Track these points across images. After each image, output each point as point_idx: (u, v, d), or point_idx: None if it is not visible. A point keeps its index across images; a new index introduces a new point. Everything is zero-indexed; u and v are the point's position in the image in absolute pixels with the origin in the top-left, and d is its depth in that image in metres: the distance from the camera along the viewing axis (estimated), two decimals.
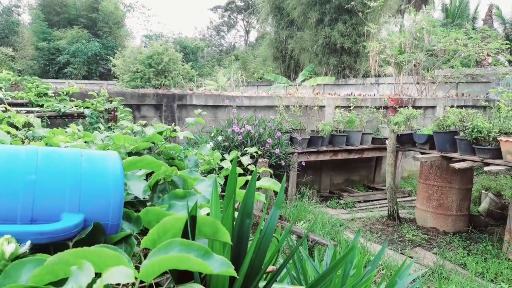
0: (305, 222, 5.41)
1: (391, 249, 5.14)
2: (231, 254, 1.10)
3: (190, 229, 0.84)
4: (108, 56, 21.92)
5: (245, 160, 2.76)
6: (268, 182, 1.82)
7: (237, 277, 0.76)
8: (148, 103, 6.22)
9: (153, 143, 2.62)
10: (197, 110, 3.32)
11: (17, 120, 2.20)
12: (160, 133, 2.56)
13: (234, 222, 1.19)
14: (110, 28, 25.93)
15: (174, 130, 2.58)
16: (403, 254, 4.95)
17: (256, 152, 2.96)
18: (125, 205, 1.20)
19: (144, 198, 1.22)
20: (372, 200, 7.22)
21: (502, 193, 7.01)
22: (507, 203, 6.21)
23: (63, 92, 5.36)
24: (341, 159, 7.38)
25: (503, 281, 4.25)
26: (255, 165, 5.69)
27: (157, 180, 1.31)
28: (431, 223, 5.85)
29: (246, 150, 3.18)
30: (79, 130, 2.41)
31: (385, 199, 6.75)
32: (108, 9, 25.24)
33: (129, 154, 2.44)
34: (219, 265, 0.70)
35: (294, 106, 6.94)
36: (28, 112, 5.03)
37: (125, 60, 18.22)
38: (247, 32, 34.84)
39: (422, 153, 5.92)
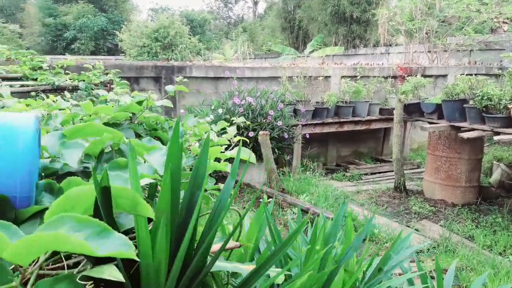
0: (308, 195, 5.28)
1: (397, 221, 5.00)
2: (177, 230, 0.97)
3: (100, 202, 0.70)
4: (114, 31, 21.65)
5: (231, 131, 2.60)
6: (243, 153, 1.67)
7: (138, 260, 0.62)
8: (147, 76, 6.06)
9: (133, 113, 2.48)
10: (178, 78, 3.16)
11: None
12: (140, 102, 2.41)
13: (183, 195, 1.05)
14: (116, 2, 25.56)
15: (152, 99, 2.43)
16: (408, 227, 4.81)
17: (244, 123, 2.80)
18: (65, 176, 1.07)
19: (85, 168, 1.09)
20: (379, 172, 7.05)
21: None
22: None
23: (57, 66, 5.23)
24: (347, 130, 7.18)
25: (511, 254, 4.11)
26: (256, 139, 5.53)
27: (102, 149, 1.17)
28: (439, 195, 5.67)
29: (233, 121, 3.02)
30: (54, 102, 2.28)
31: (393, 171, 6.57)
32: None
33: (106, 124, 2.31)
34: (117, 246, 0.56)
35: (297, 77, 6.70)
36: (22, 86, 4.93)
37: (131, 35, 17.96)
38: (256, 3, 34.00)
39: (430, 123, 5.68)
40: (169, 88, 2.63)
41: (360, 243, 1.67)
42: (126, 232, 0.88)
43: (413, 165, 7.53)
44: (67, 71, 5.21)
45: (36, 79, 4.96)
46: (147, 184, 1.18)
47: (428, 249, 4.22)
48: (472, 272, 3.67)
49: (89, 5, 24.28)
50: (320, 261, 1.52)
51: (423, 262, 3.89)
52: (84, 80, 5.02)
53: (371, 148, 8.13)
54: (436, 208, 5.40)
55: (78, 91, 4.81)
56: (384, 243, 4.25)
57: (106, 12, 24.94)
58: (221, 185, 1.72)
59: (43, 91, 4.77)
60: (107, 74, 5.26)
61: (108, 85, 5.17)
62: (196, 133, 2.50)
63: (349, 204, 5.46)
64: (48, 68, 5.17)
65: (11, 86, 4.84)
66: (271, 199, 5.16)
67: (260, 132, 5.20)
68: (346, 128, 7.04)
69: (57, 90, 4.95)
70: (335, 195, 5.57)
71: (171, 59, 16.19)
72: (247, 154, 1.59)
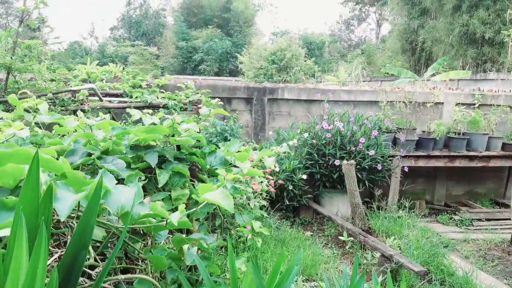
0: (396, 238, 4.59)
1: (508, 284, 4.02)
2: None
3: None
4: (237, 54, 22.88)
5: (270, 162, 2.30)
6: (214, 196, 1.33)
7: None
8: (239, 97, 6.06)
9: (172, 135, 2.34)
10: (213, 101, 2.95)
11: (25, 103, 2.13)
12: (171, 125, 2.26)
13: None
14: (241, 27, 27.07)
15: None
16: None
17: (286, 152, 2.48)
18: None
19: None
20: (497, 219, 5.87)
21: None
22: None
23: (154, 85, 5.52)
24: (459, 166, 6.17)
25: None
26: (340, 168, 5.04)
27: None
28: None
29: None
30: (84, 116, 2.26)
31: None
32: (239, 8, 26.38)
33: (135, 147, 2.21)
34: None
35: (399, 102, 6.02)
36: (119, 102, 5.31)
37: (250, 57, 18.75)
38: (379, 25, 32.76)
39: None
40: (203, 111, 2.46)
41: None
42: None
43: None
44: (161, 90, 5.47)
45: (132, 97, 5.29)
46: None
47: None
48: None
49: (217, 30, 26.17)
50: None
51: None
52: (174, 99, 5.20)
53: (490, 189, 6.89)
54: None
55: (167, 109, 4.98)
56: None
57: (231, 36, 26.56)
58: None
59: (137, 107, 5.06)
60: (200, 94, 5.38)
61: (196, 104, 5.27)
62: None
63: (450, 255, 4.60)
64: (146, 86, 5.49)
65: (110, 101, 5.25)
66: (351, 238, 4.62)
67: (344, 162, 4.72)
68: (457, 163, 6.05)
69: (149, 107, 5.21)
70: (434, 242, 4.74)
71: (285, 81, 16.38)
72: (218, 196, 1.27)
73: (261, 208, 4.57)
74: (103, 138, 1.97)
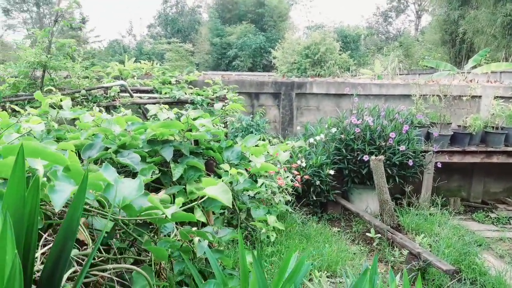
0: (427, 236, 4.45)
1: None
2: None
3: None
4: (270, 49, 22.83)
5: (284, 156, 2.29)
6: (213, 191, 1.35)
7: None
8: (267, 92, 6.06)
9: (190, 130, 2.38)
10: (235, 97, 2.94)
11: (49, 100, 2.23)
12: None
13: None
14: (275, 22, 26.96)
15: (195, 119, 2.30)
16: None
17: (301, 147, 2.46)
18: None
19: None
20: None
21: None
22: None
23: (183, 81, 5.61)
24: (498, 162, 5.89)
25: None
26: (369, 164, 4.96)
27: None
28: None
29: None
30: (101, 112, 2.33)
31: None
32: (273, 3, 26.28)
33: (152, 141, 2.26)
34: None
35: (433, 95, 5.81)
36: (149, 98, 5.43)
37: (284, 52, 18.65)
38: (419, 17, 31.66)
39: None
40: (217, 106, 2.48)
41: None
42: None
43: None
44: (190, 86, 5.56)
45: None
46: None
47: None
48: None
49: (251, 25, 26.21)
50: None
51: None
52: (202, 95, 5.27)
53: None
54: None
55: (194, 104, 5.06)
56: None
57: (265, 31, 26.52)
58: None
59: (166, 103, 5.17)
60: (227, 90, 5.43)
61: (223, 100, 5.32)
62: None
63: (484, 254, 4.41)
64: (175, 82, 5.59)
65: (140, 97, 5.39)
66: (378, 235, 4.53)
67: (372, 157, 4.62)
68: (495, 159, 5.78)
69: (178, 103, 5.31)
70: (466, 240, 4.56)
71: (318, 75, 16.19)
72: (217, 191, 1.29)
73: (286, 204, 4.56)
74: (120, 133, 2.03)
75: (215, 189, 1.31)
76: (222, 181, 2.08)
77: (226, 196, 1.28)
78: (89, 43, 27.04)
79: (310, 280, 3.48)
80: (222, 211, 3.35)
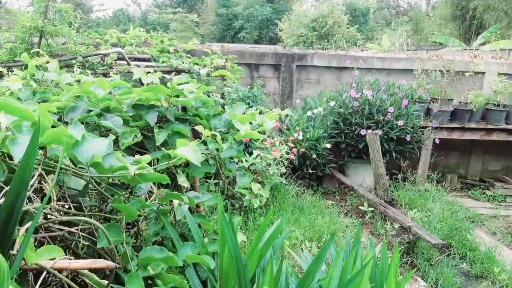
0: (420, 211, 4.47)
1: None
2: None
3: None
4: (277, 21, 22.41)
5: (270, 124, 2.28)
6: (184, 151, 1.36)
7: None
8: (267, 63, 5.98)
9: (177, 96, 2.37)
10: (235, 67, 2.91)
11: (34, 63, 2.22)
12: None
13: None
14: None
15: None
16: None
17: (287, 115, 2.44)
18: None
19: None
20: None
21: None
22: None
23: (181, 50, 5.54)
24: (497, 140, 5.84)
25: None
26: (365, 138, 4.95)
27: None
28: None
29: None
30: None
31: None
32: None
33: (137, 105, 2.25)
34: None
35: (435, 70, 5.71)
36: (147, 66, 5.39)
37: (291, 24, 18.31)
38: None
39: None
40: (203, 71, 2.45)
41: None
42: None
43: None
44: (188, 55, 5.49)
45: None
46: None
47: None
48: None
49: None
50: None
51: None
52: (200, 65, 5.21)
53: None
54: None
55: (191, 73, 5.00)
56: None
57: (273, 2, 25.97)
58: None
59: (163, 72, 5.12)
60: (226, 60, 5.36)
61: (222, 70, 5.27)
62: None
63: (477, 230, 4.44)
64: (173, 51, 5.52)
65: (137, 66, 5.35)
66: (371, 208, 4.56)
67: (368, 131, 4.60)
68: (495, 137, 5.74)
69: (175, 72, 5.26)
70: (459, 216, 4.58)
71: (324, 49, 15.92)
72: (188, 151, 1.29)
73: (281, 176, 4.58)
74: (104, 96, 2.02)
75: (186, 149, 1.31)
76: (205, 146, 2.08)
77: (195, 156, 1.28)
78: (94, 11, 26.71)
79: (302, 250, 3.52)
80: (215, 182, 3.37)
